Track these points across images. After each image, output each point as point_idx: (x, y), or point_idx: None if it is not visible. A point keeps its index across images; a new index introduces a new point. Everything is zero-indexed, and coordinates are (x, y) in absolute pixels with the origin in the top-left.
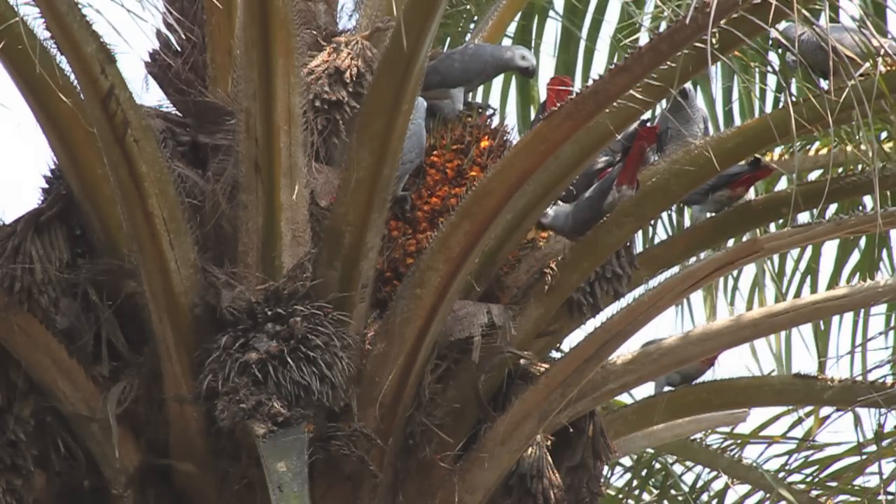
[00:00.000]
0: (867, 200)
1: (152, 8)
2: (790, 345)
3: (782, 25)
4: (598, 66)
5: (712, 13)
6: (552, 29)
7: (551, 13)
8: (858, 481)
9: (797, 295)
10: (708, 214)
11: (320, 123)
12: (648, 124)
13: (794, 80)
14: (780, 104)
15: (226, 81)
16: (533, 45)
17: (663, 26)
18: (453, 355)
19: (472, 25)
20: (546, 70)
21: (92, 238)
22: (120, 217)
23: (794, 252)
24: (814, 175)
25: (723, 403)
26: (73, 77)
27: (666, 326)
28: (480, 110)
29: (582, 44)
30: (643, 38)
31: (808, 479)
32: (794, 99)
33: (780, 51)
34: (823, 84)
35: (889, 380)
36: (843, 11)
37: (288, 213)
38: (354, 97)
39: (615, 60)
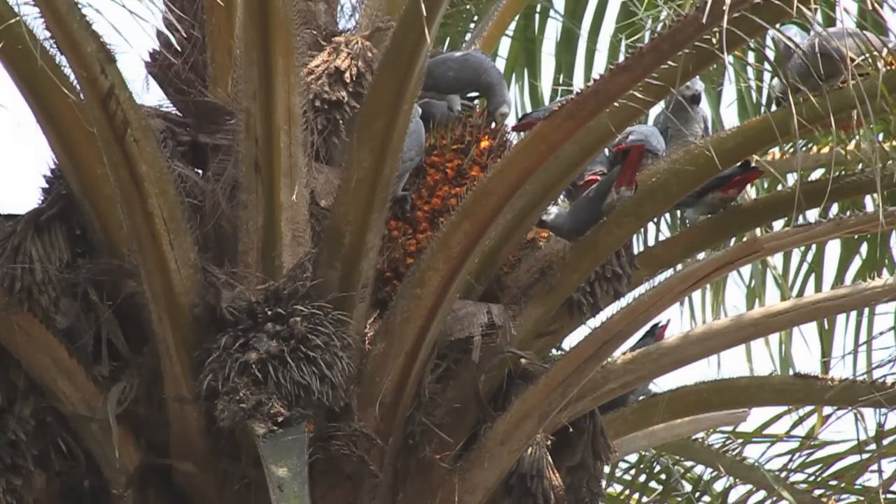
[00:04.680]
0: (868, 200)
1: (152, 8)
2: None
3: (790, 32)
4: (599, 66)
5: (727, 10)
6: (552, 28)
7: (552, 13)
8: (861, 480)
9: (800, 294)
10: (701, 217)
11: (320, 123)
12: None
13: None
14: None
15: (226, 81)
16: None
17: (660, 26)
18: (453, 355)
19: (471, 25)
20: (547, 69)
21: (92, 238)
22: (120, 217)
23: (798, 252)
24: (815, 175)
25: (723, 403)
26: (73, 77)
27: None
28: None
29: (582, 43)
30: (646, 38)
31: (811, 478)
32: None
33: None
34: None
35: (890, 379)
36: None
37: (288, 213)
38: (354, 97)
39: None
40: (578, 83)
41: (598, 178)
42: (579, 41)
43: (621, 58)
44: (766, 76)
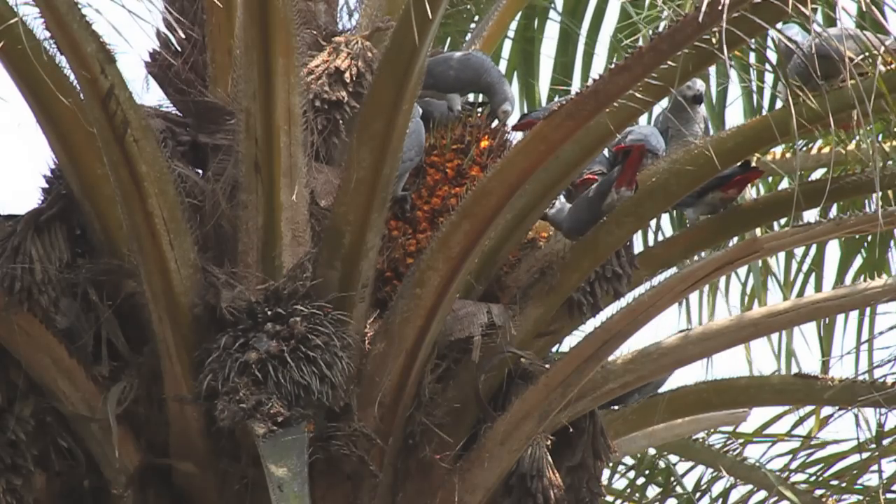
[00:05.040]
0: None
1: (152, 8)
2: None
3: (791, 32)
4: (597, 67)
5: (725, 9)
6: (552, 29)
7: (552, 13)
8: (862, 480)
9: (800, 294)
10: (701, 217)
11: (320, 123)
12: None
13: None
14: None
15: (226, 81)
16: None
17: (662, 26)
18: (453, 355)
19: (472, 25)
20: (545, 69)
21: (92, 238)
22: (120, 217)
23: (798, 251)
24: (815, 174)
25: (723, 403)
26: (73, 77)
27: (666, 326)
28: (479, 108)
29: (581, 44)
30: (643, 39)
31: (812, 478)
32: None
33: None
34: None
35: (890, 379)
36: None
37: (288, 212)
38: (354, 97)
39: (614, 60)
40: (577, 83)
41: (596, 177)
42: (579, 41)
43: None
44: (767, 76)
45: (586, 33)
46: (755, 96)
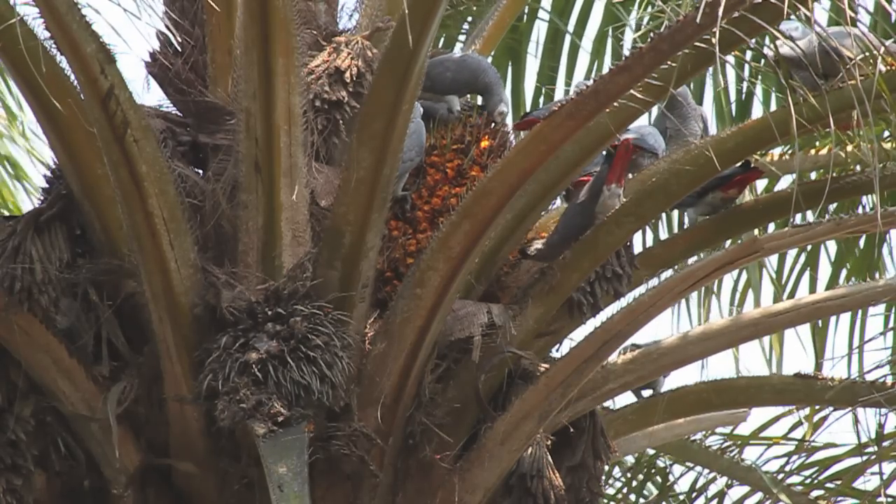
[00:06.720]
0: (867, 200)
1: (152, 8)
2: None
3: (792, 26)
4: (584, 70)
5: (721, 10)
6: (539, 31)
7: (541, 14)
8: (859, 482)
9: (791, 295)
10: (701, 217)
11: (320, 123)
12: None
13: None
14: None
15: (226, 81)
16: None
17: (650, 23)
18: (453, 355)
19: (466, 26)
20: (532, 72)
21: (92, 238)
22: (120, 217)
23: (793, 252)
24: (814, 175)
25: (723, 403)
26: (73, 77)
27: (666, 326)
28: (481, 110)
29: (566, 45)
30: (629, 40)
31: (808, 480)
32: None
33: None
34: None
35: (889, 380)
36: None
37: (288, 212)
38: (354, 97)
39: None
40: (570, 83)
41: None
42: (566, 42)
43: (607, 59)
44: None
45: (573, 29)
46: (724, 95)
